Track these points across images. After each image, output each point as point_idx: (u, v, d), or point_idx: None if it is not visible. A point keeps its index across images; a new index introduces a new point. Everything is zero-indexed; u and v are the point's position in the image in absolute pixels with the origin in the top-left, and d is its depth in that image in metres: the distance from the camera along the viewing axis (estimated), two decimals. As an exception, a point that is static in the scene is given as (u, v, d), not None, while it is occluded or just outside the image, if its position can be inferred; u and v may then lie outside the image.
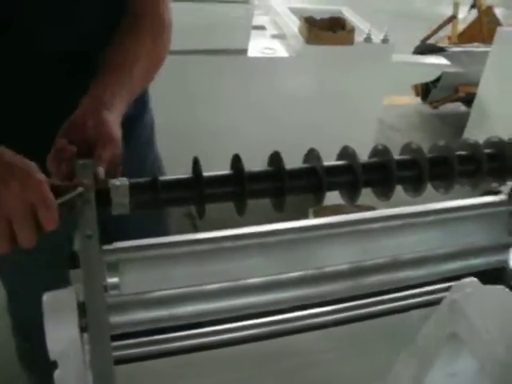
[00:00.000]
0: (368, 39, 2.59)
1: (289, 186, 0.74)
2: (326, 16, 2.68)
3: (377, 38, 2.62)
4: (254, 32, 2.59)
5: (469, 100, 3.81)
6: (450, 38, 4.53)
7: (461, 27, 4.59)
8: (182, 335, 0.76)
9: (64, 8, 0.97)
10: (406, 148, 0.83)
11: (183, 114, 2.43)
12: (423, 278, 0.81)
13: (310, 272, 0.73)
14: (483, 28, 4.41)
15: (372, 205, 1.25)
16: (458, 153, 0.83)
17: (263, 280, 0.71)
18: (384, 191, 0.80)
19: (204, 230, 0.79)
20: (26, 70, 0.99)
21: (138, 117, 1.20)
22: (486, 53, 3.36)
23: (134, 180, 0.73)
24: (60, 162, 0.77)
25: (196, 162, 0.74)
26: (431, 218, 0.86)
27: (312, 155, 0.78)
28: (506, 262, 0.85)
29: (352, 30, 2.56)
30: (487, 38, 4.11)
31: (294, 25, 2.70)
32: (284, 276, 0.72)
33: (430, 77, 3.37)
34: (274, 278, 0.72)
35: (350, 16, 2.88)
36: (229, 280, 0.71)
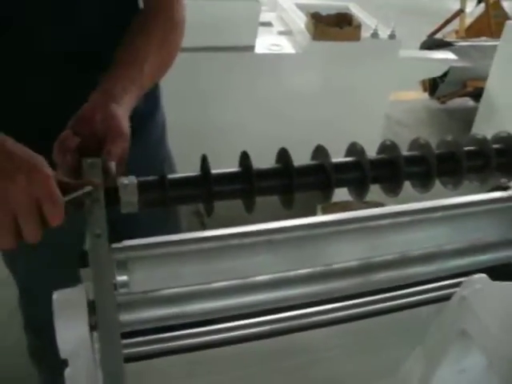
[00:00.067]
0: (375, 35, 2.58)
1: (297, 183, 0.74)
2: (333, 12, 2.67)
3: (384, 33, 2.61)
4: (260, 29, 2.59)
5: (477, 95, 3.79)
6: (457, 32, 4.51)
7: (468, 21, 4.56)
8: (191, 333, 0.77)
9: (64, 8, 0.97)
10: (414, 144, 0.83)
11: (190, 110, 2.43)
12: (432, 274, 0.81)
13: (318, 269, 0.73)
14: (491, 22, 4.39)
15: (380, 201, 1.25)
16: (466, 148, 0.83)
17: (272, 277, 0.71)
18: (392, 187, 0.80)
19: (212, 228, 0.79)
20: (29, 69, 0.99)
21: (149, 115, 1.20)
22: (494, 47, 3.33)
23: (142, 178, 0.73)
24: (65, 153, 0.77)
25: (204, 160, 0.74)
26: (440, 213, 0.85)
27: (320, 152, 0.78)
28: (515, 257, 0.84)
29: (359, 26, 2.55)
30: (495, 32, 4.10)
31: (300, 21, 2.70)
32: (292, 273, 0.72)
33: (437, 72, 3.36)
34: (283, 275, 0.72)
35: (357, 12, 2.87)
36: (237, 278, 0.71)
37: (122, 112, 0.85)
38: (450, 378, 0.66)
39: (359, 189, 0.79)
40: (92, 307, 0.62)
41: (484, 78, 3.45)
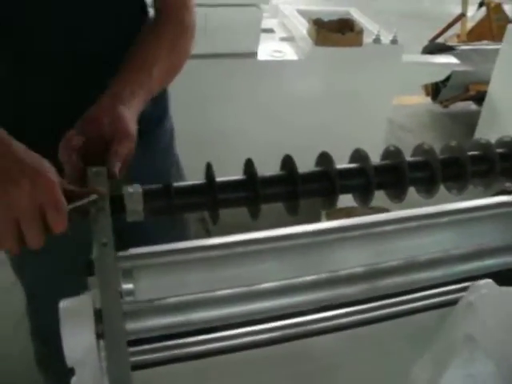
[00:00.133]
0: (377, 40, 2.59)
1: (302, 189, 0.74)
2: (335, 18, 2.68)
3: (386, 38, 2.62)
4: (262, 35, 2.59)
5: (479, 98, 3.79)
6: (458, 36, 4.51)
7: (470, 25, 4.56)
8: (198, 340, 0.76)
9: (64, 8, 0.97)
10: (418, 149, 0.83)
11: (193, 117, 2.43)
12: (437, 279, 0.81)
13: (324, 275, 0.73)
14: (492, 25, 4.39)
15: (385, 206, 1.25)
16: (470, 153, 0.83)
17: (277, 284, 0.71)
18: (397, 193, 0.80)
19: (216, 235, 0.80)
20: (29, 69, 0.99)
21: (158, 122, 1.20)
22: (496, 50, 3.34)
23: (147, 187, 0.73)
24: (70, 153, 0.77)
25: (209, 168, 0.74)
26: (445, 219, 0.85)
27: (324, 158, 0.78)
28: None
29: (361, 32, 2.56)
30: (497, 36, 4.10)
31: (302, 27, 2.70)
32: (298, 280, 0.72)
33: (439, 76, 3.36)
34: (289, 282, 0.71)
35: (359, 17, 2.87)
36: (243, 285, 0.71)
37: (130, 114, 0.85)
38: (457, 383, 0.66)
39: (364, 195, 0.79)
40: (99, 316, 0.62)
41: (486, 82, 3.46)
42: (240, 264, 0.76)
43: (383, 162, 0.81)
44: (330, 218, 2.31)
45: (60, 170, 0.73)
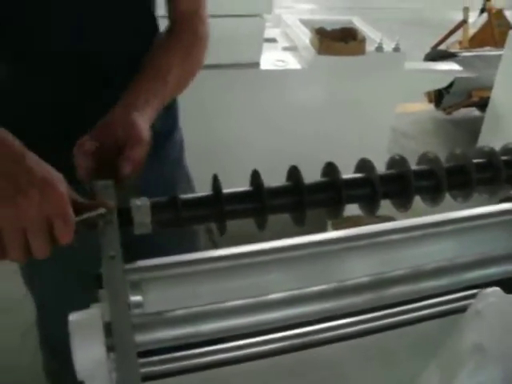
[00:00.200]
0: (379, 48, 2.60)
1: (308, 200, 0.75)
2: (337, 27, 2.69)
3: (388, 46, 2.63)
4: (265, 45, 2.61)
5: (482, 104, 3.79)
6: (460, 43, 4.51)
7: (471, 32, 4.57)
8: (207, 351, 0.77)
9: (64, 8, 0.98)
10: (423, 158, 0.84)
11: (197, 128, 2.42)
12: (444, 287, 0.81)
13: (331, 286, 0.73)
14: (494, 31, 4.40)
15: (390, 214, 1.25)
16: (475, 161, 0.84)
17: (285, 295, 0.71)
18: (402, 202, 0.80)
19: (223, 245, 0.80)
20: (29, 69, 1.00)
21: (167, 135, 1.21)
22: (499, 56, 3.34)
23: (154, 199, 0.73)
24: (83, 158, 0.78)
25: (215, 179, 0.75)
26: (450, 227, 0.86)
27: (330, 168, 0.78)
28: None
29: (363, 40, 2.57)
30: (499, 42, 4.10)
31: (305, 36, 2.71)
32: (305, 290, 0.72)
33: (442, 83, 3.37)
34: (296, 292, 0.72)
35: (361, 26, 2.88)
36: (251, 296, 0.71)
37: (143, 121, 0.86)
38: (466, 392, 0.66)
39: (370, 205, 0.79)
40: (108, 328, 0.62)
41: (489, 88, 3.46)
42: (248, 275, 0.77)
43: (389, 172, 0.81)
44: (336, 227, 2.31)
45: (67, 179, 0.73)
